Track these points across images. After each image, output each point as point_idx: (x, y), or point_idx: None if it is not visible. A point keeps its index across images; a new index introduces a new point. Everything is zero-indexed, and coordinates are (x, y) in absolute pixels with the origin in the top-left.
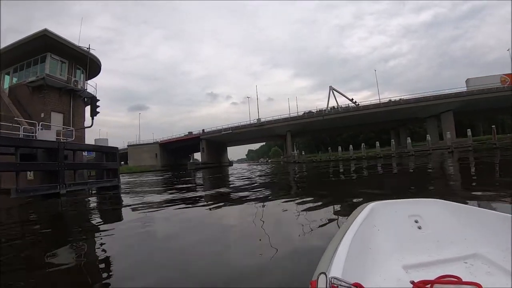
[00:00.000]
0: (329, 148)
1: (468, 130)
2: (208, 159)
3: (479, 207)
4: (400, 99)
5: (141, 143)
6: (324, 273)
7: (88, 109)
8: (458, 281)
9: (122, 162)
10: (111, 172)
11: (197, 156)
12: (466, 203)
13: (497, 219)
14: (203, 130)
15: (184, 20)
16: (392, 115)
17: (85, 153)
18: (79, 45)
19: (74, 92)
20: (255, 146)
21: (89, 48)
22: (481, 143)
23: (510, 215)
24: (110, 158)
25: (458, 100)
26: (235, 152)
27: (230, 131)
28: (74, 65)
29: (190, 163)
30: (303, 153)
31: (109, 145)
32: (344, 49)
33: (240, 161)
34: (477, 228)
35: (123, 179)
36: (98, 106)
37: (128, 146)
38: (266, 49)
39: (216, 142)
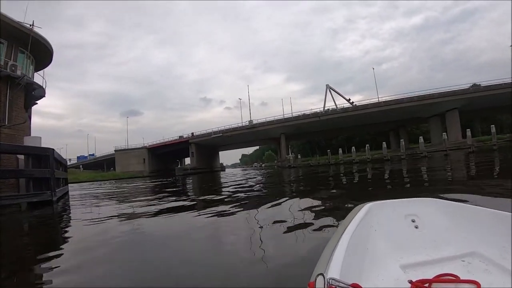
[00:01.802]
0: (328, 150)
1: (492, 126)
2: (198, 164)
3: (475, 205)
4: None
5: (128, 148)
6: (322, 274)
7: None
8: (456, 279)
9: (112, 168)
10: (42, 182)
11: (189, 161)
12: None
13: (493, 217)
14: (192, 133)
15: (177, 24)
16: (392, 115)
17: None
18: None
19: (11, 80)
20: (249, 150)
21: (32, 25)
22: (507, 141)
23: (507, 213)
24: (39, 164)
25: (465, 97)
26: (228, 157)
27: (221, 134)
28: (16, 47)
29: (178, 168)
30: (299, 156)
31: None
32: (337, 52)
33: (234, 165)
34: (474, 226)
35: (96, 189)
36: (35, 96)
37: (115, 151)
38: (259, 53)
39: (206, 146)
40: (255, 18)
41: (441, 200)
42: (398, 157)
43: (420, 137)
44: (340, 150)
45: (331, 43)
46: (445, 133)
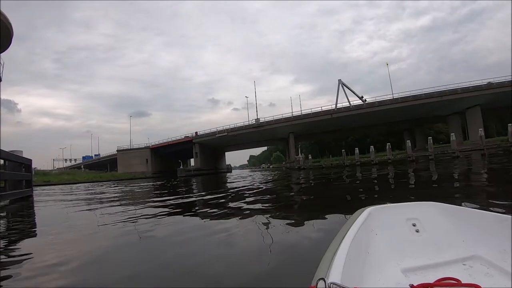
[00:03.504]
0: (343, 150)
1: None
2: (203, 165)
3: (476, 208)
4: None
5: (131, 148)
6: (323, 279)
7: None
8: (458, 283)
9: (116, 169)
10: None
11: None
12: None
13: (494, 220)
14: (196, 132)
15: (184, 26)
16: (410, 113)
17: None
18: None
19: None
20: (257, 151)
21: None
22: None
23: (508, 215)
24: None
25: (490, 92)
26: (236, 158)
27: (226, 134)
28: None
29: (180, 169)
30: (310, 157)
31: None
32: (344, 54)
33: (242, 167)
34: (475, 229)
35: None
36: None
37: (117, 151)
38: (266, 55)
39: (211, 146)
40: (262, 21)
41: (441, 203)
42: (426, 157)
43: (451, 134)
44: (357, 150)
45: (338, 44)
46: (481, 129)
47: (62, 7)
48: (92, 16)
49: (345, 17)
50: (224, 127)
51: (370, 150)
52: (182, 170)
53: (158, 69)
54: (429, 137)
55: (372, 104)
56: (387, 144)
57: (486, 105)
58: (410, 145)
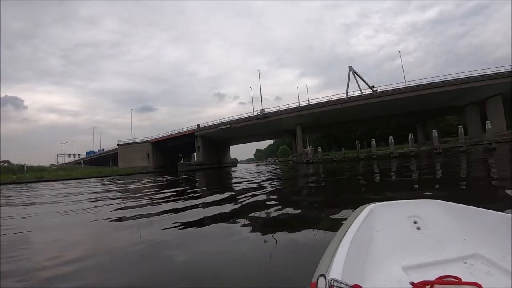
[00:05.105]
0: (357, 142)
1: None
2: (206, 159)
3: (478, 207)
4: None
5: (132, 142)
6: (324, 275)
7: None
8: (458, 281)
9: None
10: None
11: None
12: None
13: (496, 218)
14: (198, 125)
15: (189, 21)
16: (424, 103)
17: None
18: None
19: None
20: (263, 145)
21: None
22: None
23: (509, 214)
24: None
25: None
26: (242, 152)
27: (229, 126)
28: None
29: (181, 164)
30: (320, 150)
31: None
32: (350, 47)
33: (248, 160)
34: (476, 228)
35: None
36: None
37: (118, 145)
38: (272, 49)
39: (214, 139)
40: (267, 15)
41: (444, 201)
42: (456, 149)
43: (487, 122)
44: (373, 142)
45: (344, 38)
46: None
47: (67, 4)
48: (97, 12)
49: (351, 10)
50: (227, 118)
51: (389, 141)
52: (183, 165)
53: (164, 64)
54: (459, 126)
55: (385, 93)
56: (409, 134)
57: (504, 95)
58: (436, 135)
